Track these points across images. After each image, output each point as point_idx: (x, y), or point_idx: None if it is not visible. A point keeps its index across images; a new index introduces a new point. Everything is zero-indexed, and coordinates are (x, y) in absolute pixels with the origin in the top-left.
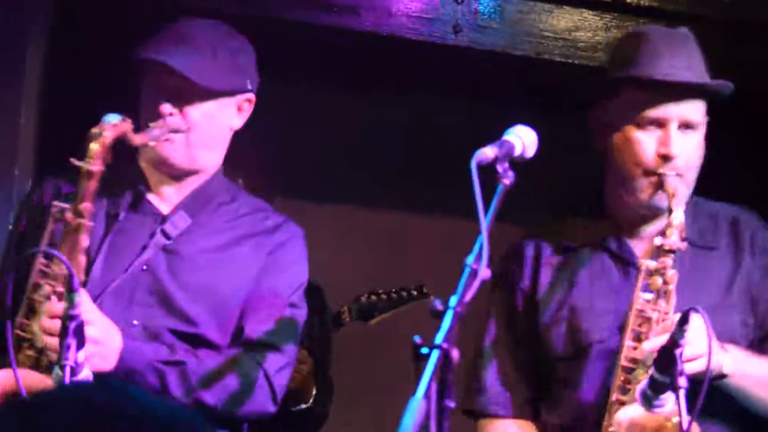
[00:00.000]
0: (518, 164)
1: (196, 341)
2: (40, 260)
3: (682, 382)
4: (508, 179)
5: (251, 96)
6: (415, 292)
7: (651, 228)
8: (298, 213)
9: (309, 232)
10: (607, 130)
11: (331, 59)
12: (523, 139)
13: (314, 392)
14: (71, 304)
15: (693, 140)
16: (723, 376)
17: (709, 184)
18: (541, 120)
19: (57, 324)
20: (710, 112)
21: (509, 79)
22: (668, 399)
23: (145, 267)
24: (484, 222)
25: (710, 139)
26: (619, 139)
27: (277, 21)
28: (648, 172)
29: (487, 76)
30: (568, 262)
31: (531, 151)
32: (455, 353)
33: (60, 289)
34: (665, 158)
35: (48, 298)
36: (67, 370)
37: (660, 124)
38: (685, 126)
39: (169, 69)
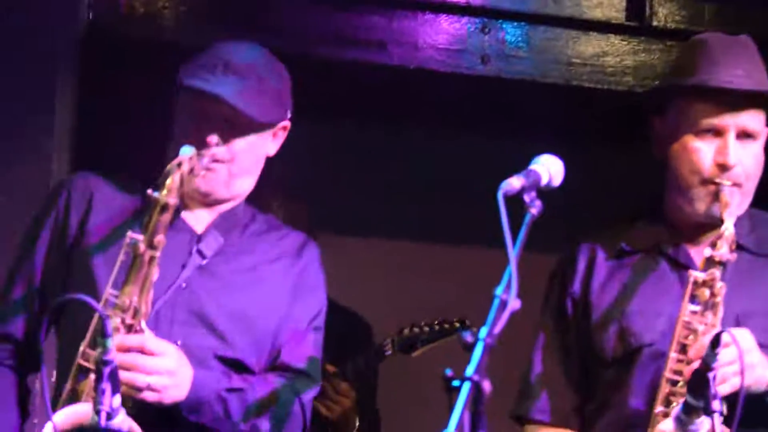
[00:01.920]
0: (546, 193)
1: (234, 366)
2: (108, 290)
3: (716, 405)
4: (535, 209)
5: (287, 123)
6: (457, 324)
7: (710, 236)
8: (339, 247)
9: (351, 266)
10: (666, 138)
11: (360, 94)
12: (549, 169)
13: (357, 425)
14: (104, 349)
15: (752, 150)
16: None
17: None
18: (571, 147)
19: (125, 357)
20: None
21: (539, 106)
22: (703, 423)
23: (184, 285)
24: (512, 252)
25: None
26: (678, 148)
27: (304, 56)
28: (705, 181)
29: (517, 105)
30: (623, 265)
31: (557, 180)
32: (486, 385)
33: (130, 320)
34: (723, 167)
35: (117, 330)
36: (103, 415)
37: (718, 132)
38: (744, 135)
39: (219, 99)
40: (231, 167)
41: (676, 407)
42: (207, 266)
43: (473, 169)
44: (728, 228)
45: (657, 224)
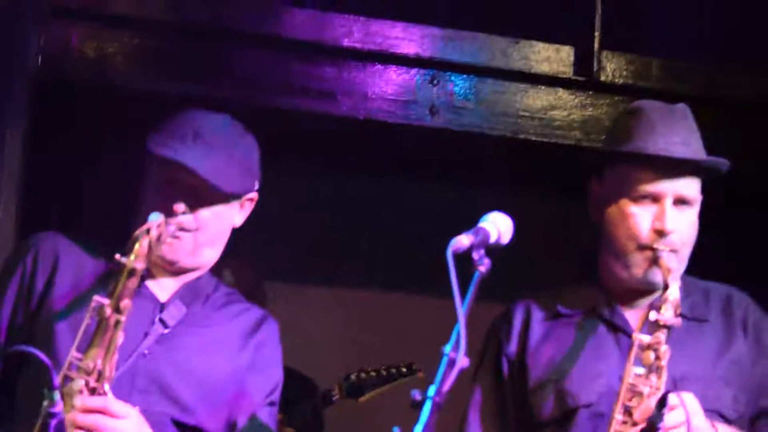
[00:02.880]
0: (494, 250)
1: (192, 431)
2: (73, 353)
3: None
4: (483, 266)
5: (254, 195)
6: (404, 369)
7: (645, 300)
8: (285, 296)
9: (297, 314)
10: (603, 202)
11: (309, 143)
12: (498, 227)
13: None
14: (51, 402)
15: (687, 216)
16: None
17: (699, 262)
18: (520, 199)
19: (88, 419)
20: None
21: (487, 158)
22: None
23: (146, 352)
24: (461, 310)
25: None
26: (614, 213)
27: (252, 105)
28: (642, 247)
29: (465, 157)
30: (559, 327)
31: (506, 238)
32: None
33: (93, 383)
34: (660, 233)
35: (80, 392)
36: None
37: (655, 199)
38: (680, 202)
39: (187, 168)
40: (197, 236)
41: None
42: (168, 336)
43: (421, 218)
44: (673, 293)
45: (592, 286)
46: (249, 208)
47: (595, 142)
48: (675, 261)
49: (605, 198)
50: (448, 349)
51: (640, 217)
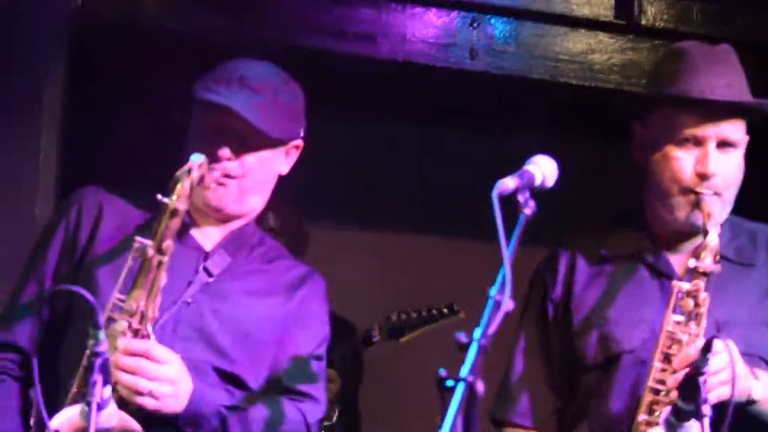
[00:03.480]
0: (538, 193)
1: (234, 381)
2: (116, 295)
3: (706, 410)
4: (529, 209)
5: (300, 142)
6: (445, 310)
7: (689, 244)
8: (326, 239)
9: (337, 258)
10: (648, 146)
11: (348, 86)
12: (543, 169)
13: (337, 412)
14: (96, 341)
15: (732, 159)
16: (752, 402)
17: (748, 202)
18: (560, 143)
19: (129, 361)
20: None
21: (526, 102)
22: (692, 427)
23: (189, 301)
24: (506, 253)
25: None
26: (658, 156)
27: (290, 48)
28: (685, 190)
29: (505, 101)
30: (604, 272)
31: (551, 181)
32: (480, 386)
33: (136, 325)
34: (702, 177)
35: (123, 333)
36: (94, 406)
37: (698, 142)
38: (724, 144)
39: (232, 113)
40: (242, 183)
41: (666, 410)
42: (213, 284)
43: (461, 163)
44: (713, 239)
45: (637, 231)
46: (294, 155)
47: (635, 86)
48: (719, 204)
49: (649, 141)
50: (493, 291)
51: (683, 161)
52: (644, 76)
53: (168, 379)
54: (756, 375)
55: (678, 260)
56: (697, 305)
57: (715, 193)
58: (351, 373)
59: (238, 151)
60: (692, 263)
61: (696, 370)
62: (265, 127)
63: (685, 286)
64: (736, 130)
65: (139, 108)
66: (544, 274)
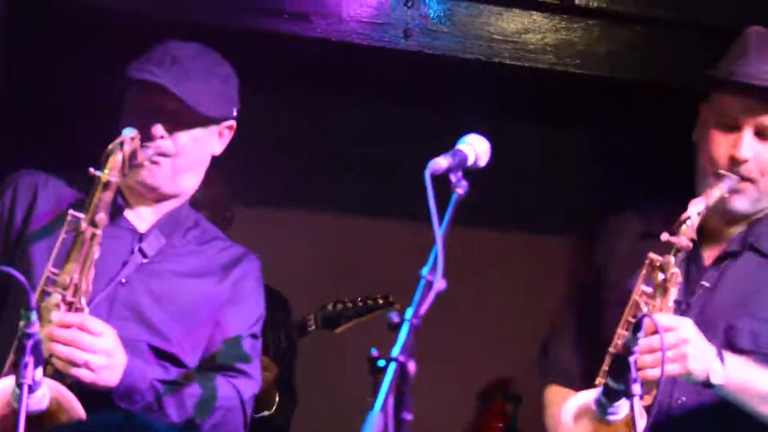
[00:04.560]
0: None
1: (169, 359)
2: (49, 269)
3: (636, 389)
4: (461, 189)
5: (233, 123)
6: (381, 301)
7: (729, 231)
8: (260, 222)
9: (274, 241)
10: (702, 127)
11: (283, 66)
12: (476, 149)
13: (277, 400)
14: (28, 322)
15: None
16: (711, 385)
17: None
18: (491, 123)
19: (65, 333)
20: None
21: (460, 82)
22: (623, 406)
23: (123, 281)
24: (439, 232)
25: None
26: (703, 138)
27: (225, 29)
28: (717, 174)
29: (439, 80)
30: (643, 248)
31: (484, 161)
32: (412, 366)
33: (70, 298)
34: (733, 161)
35: (57, 306)
36: (25, 388)
37: (736, 126)
38: (762, 133)
39: (165, 91)
40: (176, 162)
41: (597, 390)
42: (147, 265)
43: (396, 143)
44: (691, 215)
45: (680, 210)
46: (228, 136)
47: (569, 66)
48: (752, 191)
49: (703, 122)
50: (425, 271)
51: (720, 144)
52: (577, 55)
53: (103, 351)
54: (723, 359)
55: (709, 249)
56: (666, 280)
57: (749, 179)
58: (287, 361)
59: (172, 129)
60: (665, 236)
61: (626, 349)
62: (197, 106)
63: (658, 258)
64: None
65: (71, 89)
66: (597, 241)
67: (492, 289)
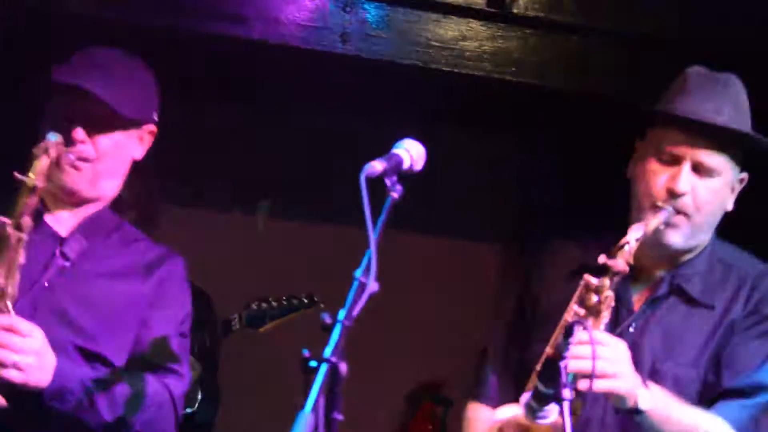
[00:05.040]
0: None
1: (97, 359)
2: None
3: (566, 394)
4: (396, 192)
5: (153, 128)
6: (305, 300)
7: (658, 272)
8: (187, 221)
9: (199, 241)
10: (635, 159)
11: (218, 68)
12: (411, 153)
13: (199, 398)
14: None
15: (708, 185)
16: (638, 411)
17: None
18: (428, 129)
19: None
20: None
21: (397, 87)
22: (552, 411)
23: (46, 284)
24: (373, 235)
25: None
26: (640, 170)
27: (164, 30)
28: (655, 206)
29: (376, 85)
30: (577, 283)
31: (419, 165)
32: (343, 367)
33: None
34: (670, 193)
35: None
36: None
37: (675, 160)
38: (701, 169)
39: (86, 95)
40: (96, 166)
41: (527, 394)
42: (70, 268)
43: (332, 146)
44: (630, 240)
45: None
46: (149, 141)
47: (505, 74)
48: (686, 226)
49: (637, 155)
50: (358, 273)
51: (658, 175)
52: (514, 64)
53: (32, 351)
54: (647, 385)
55: (638, 292)
56: (599, 302)
57: (683, 213)
58: (211, 360)
59: (92, 133)
60: (602, 259)
61: (557, 354)
62: (117, 107)
63: (593, 281)
64: (715, 156)
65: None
66: (532, 269)
67: (422, 292)
